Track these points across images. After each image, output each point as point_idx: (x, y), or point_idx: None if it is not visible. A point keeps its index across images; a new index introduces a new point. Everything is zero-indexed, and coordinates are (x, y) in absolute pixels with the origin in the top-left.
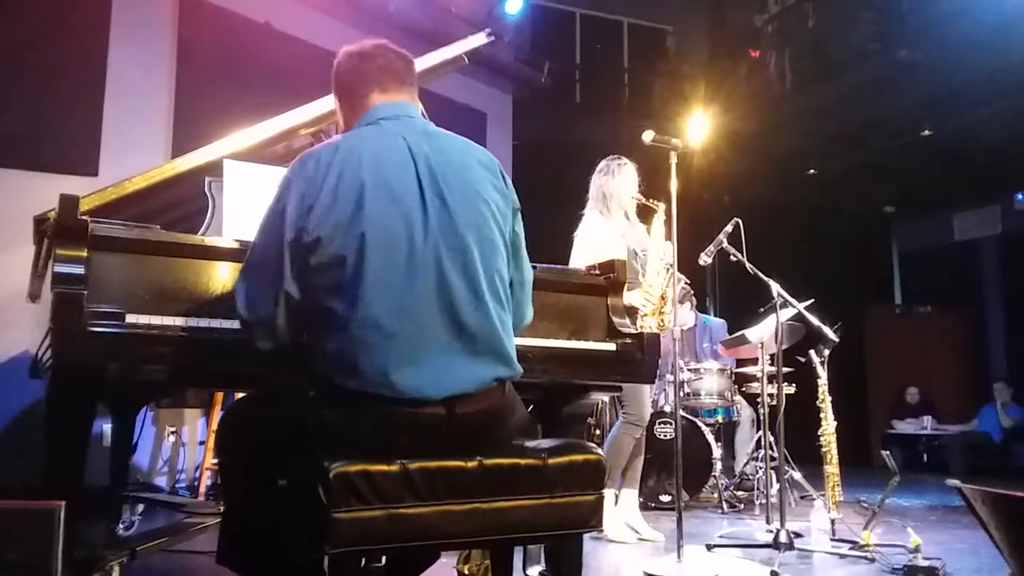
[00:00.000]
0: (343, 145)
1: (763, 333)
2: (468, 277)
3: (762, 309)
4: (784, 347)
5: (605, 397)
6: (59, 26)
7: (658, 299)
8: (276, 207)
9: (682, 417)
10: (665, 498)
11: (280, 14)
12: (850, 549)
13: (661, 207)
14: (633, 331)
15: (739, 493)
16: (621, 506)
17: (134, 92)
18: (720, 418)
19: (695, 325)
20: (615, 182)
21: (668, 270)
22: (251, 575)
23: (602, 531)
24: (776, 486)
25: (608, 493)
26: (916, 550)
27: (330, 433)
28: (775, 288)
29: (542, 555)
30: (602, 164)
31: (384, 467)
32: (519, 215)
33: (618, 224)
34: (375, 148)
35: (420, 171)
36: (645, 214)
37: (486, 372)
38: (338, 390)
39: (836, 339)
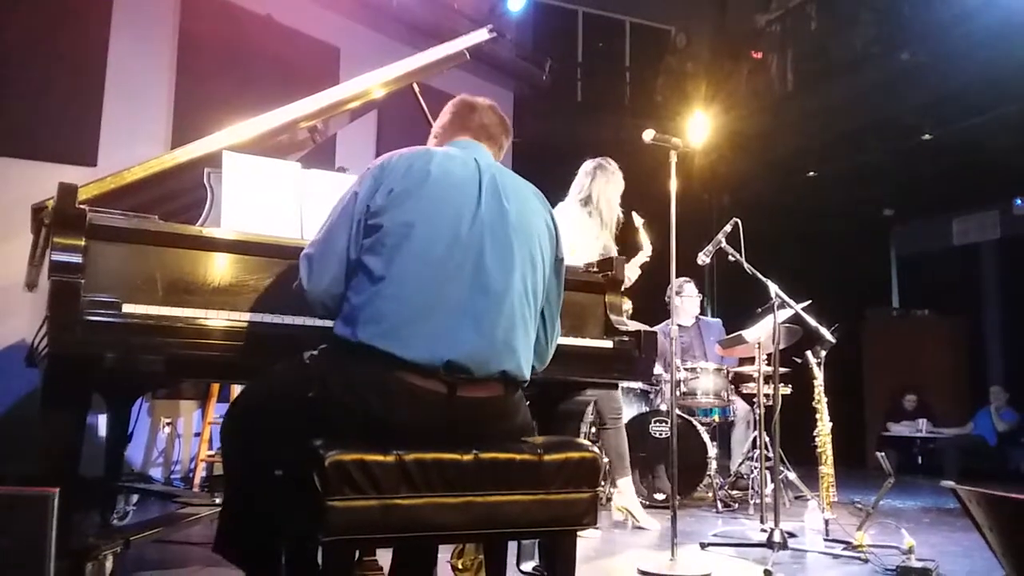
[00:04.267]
0: (421, 148)
1: (760, 333)
2: (505, 270)
3: (760, 309)
4: (781, 348)
5: (601, 394)
6: (60, 15)
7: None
8: (350, 193)
9: (678, 416)
10: (660, 496)
11: (282, 7)
12: (844, 549)
13: (640, 221)
14: (630, 329)
15: (734, 492)
16: (620, 492)
17: (134, 83)
18: (716, 417)
19: (698, 323)
20: (607, 188)
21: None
22: (245, 565)
23: (597, 527)
24: (771, 486)
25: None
26: (910, 551)
27: (333, 401)
28: (773, 289)
29: (536, 551)
30: (592, 164)
31: (380, 457)
32: (560, 245)
33: (595, 226)
34: (448, 155)
35: (483, 179)
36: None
37: (495, 359)
38: (345, 344)
39: (833, 340)
